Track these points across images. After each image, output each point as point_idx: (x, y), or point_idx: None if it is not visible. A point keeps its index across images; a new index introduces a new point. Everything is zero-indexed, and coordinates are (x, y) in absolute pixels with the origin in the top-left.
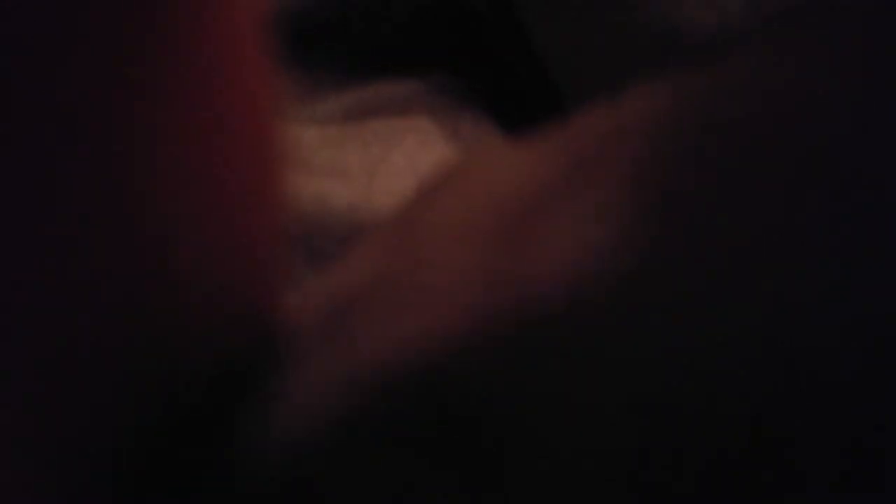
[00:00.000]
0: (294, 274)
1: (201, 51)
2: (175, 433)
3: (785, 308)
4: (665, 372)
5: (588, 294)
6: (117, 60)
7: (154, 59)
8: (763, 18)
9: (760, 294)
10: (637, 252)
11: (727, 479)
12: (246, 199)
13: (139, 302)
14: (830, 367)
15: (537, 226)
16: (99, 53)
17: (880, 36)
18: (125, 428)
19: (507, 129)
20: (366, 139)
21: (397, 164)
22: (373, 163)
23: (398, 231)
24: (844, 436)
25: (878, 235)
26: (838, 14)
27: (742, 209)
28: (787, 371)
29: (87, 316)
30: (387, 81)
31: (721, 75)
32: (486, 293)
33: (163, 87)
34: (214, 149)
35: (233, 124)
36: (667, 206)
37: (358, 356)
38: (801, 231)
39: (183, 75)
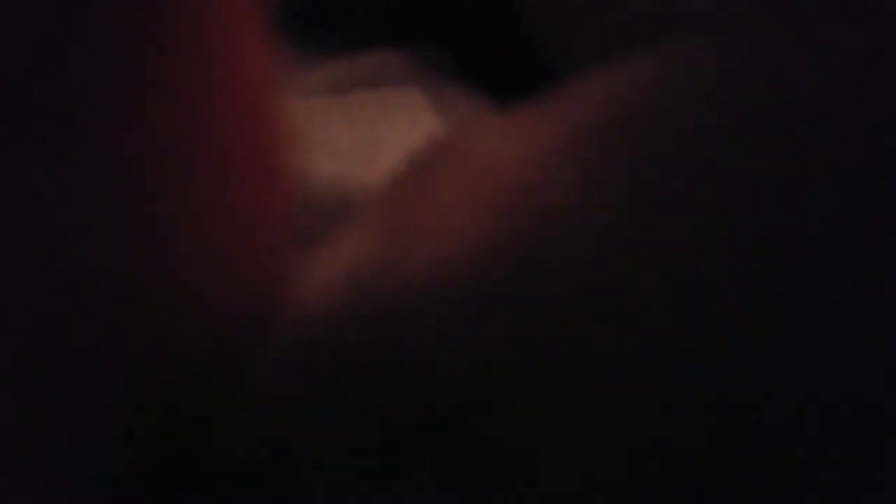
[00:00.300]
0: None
1: (200, 43)
2: (175, 430)
3: (791, 301)
4: (667, 363)
5: (592, 281)
6: (117, 57)
7: (153, 53)
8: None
9: (766, 283)
10: (647, 232)
11: (727, 477)
12: (249, 191)
13: (139, 300)
14: (831, 367)
15: (538, 202)
16: (99, 52)
17: (875, 30)
18: (124, 426)
19: (498, 102)
20: (353, 113)
21: (385, 138)
22: (360, 137)
23: (393, 211)
24: (846, 432)
25: (880, 223)
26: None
27: (741, 191)
28: (791, 366)
29: (87, 314)
30: (374, 53)
31: (721, 55)
32: (485, 280)
33: (162, 82)
34: (215, 143)
35: (233, 120)
36: (668, 183)
37: (354, 352)
38: (802, 216)
39: (182, 69)
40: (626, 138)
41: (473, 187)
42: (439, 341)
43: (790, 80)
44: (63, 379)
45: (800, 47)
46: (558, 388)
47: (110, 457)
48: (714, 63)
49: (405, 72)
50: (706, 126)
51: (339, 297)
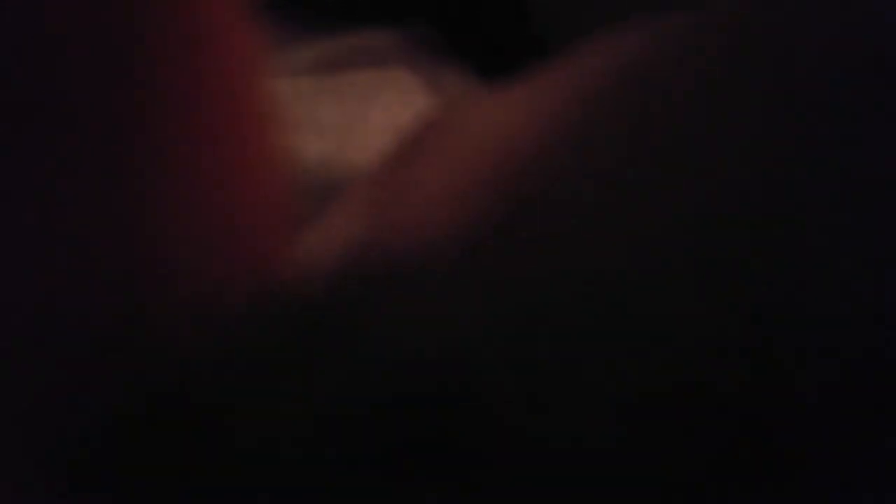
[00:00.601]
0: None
1: (187, 30)
2: (169, 422)
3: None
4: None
5: (587, 245)
6: (110, 52)
7: (143, 45)
8: None
9: (767, 259)
10: (644, 201)
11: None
12: (241, 175)
13: (137, 292)
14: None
15: (529, 168)
16: (96, 52)
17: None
18: (121, 423)
19: (491, 82)
20: (341, 92)
21: (374, 118)
22: (349, 117)
23: (382, 187)
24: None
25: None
26: None
27: (740, 150)
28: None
29: (85, 311)
30: (364, 31)
31: (713, 27)
32: (475, 247)
33: (153, 74)
34: (206, 129)
35: (222, 104)
36: (660, 145)
37: (339, 330)
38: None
39: (171, 59)
40: (619, 104)
41: (464, 157)
42: (426, 312)
43: (781, 46)
44: (59, 377)
45: (790, 16)
46: (557, 358)
47: (103, 452)
48: (706, 34)
49: (395, 51)
50: (699, 92)
51: (326, 273)
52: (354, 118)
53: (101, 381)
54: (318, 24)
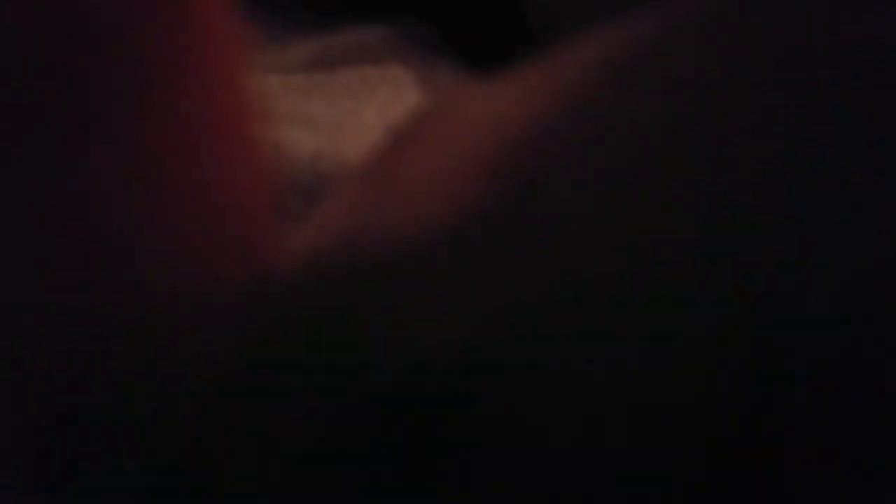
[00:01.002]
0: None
1: (174, 27)
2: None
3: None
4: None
5: (580, 236)
6: (108, 57)
7: (133, 43)
8: None
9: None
10: (636, 192)
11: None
12: (224, 170)
13: (119, 286)
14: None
15: (521, 158)
16: (92, 51)
17: None
18: (120, 423)
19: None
20: (335, 88)
21: (368, 116)
22: (342, 114)
23: (372, 180)
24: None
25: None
26: None
27: (745, 134)
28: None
29: (83, 310)
30: (358, 28)
31: (713, 14)
32: (466, 237)
33: (140, 70)
34: (189, 124)
35: (206, 98)
36: (658, 132)
37: (321, 324)
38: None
39: (158, 54)
40: (615, 99)
41: (456, 150)
42: (425, 311)
43: (780, 46)
44: (58, 377)
45: (790, 16)
46: (556, 355)
47: (102, 452)
48: (705, 31)
49: (389, 48)
50: (698, 88)
51: (319, 270)
52: (348, 114)
53: (100, 381)
54: (312, 21)
